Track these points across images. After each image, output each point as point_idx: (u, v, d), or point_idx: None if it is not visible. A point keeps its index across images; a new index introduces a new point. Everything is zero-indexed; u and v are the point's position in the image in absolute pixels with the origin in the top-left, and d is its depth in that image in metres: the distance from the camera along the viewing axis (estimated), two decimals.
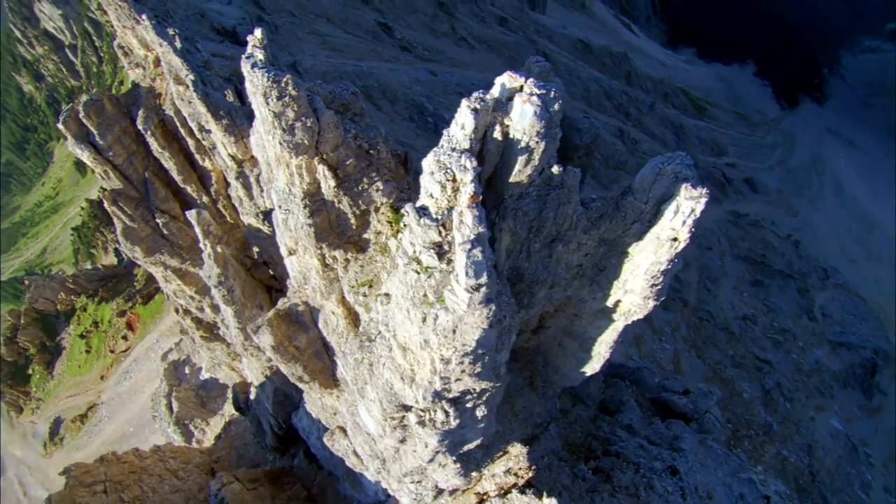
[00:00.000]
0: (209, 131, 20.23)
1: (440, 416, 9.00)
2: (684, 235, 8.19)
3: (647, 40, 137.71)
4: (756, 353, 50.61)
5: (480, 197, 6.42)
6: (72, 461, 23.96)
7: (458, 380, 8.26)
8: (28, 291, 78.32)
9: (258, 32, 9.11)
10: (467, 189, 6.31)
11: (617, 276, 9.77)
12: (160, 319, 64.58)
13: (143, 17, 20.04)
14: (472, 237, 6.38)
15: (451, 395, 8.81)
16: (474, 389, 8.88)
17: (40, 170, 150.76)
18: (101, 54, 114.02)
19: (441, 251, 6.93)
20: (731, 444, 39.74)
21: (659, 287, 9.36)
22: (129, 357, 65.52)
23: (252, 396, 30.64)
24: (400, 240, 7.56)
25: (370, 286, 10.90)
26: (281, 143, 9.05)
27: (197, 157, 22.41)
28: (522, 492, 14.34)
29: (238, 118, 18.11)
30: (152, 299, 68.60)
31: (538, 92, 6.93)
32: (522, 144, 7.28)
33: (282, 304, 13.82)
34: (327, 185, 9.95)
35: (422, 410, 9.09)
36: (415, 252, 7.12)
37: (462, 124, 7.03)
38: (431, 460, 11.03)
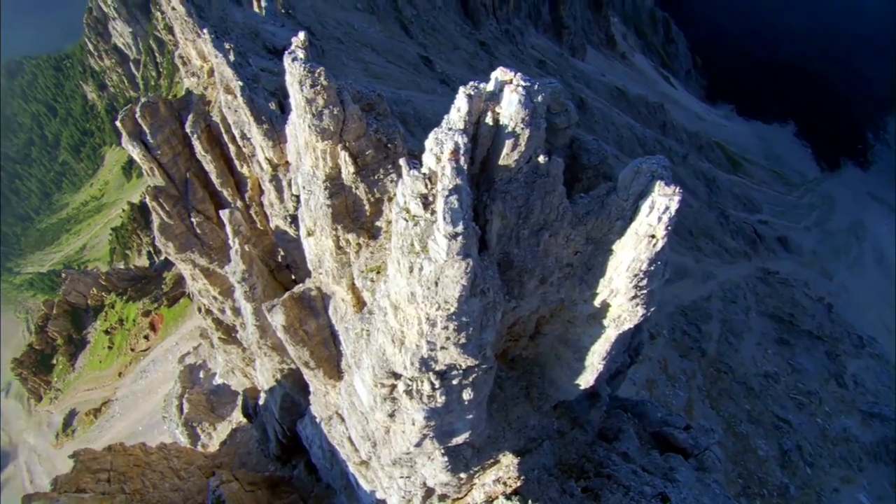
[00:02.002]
0: (250, 139, 21.79)
1: (426, 387, 9.64)
2: (661, 233, 8.85)
3: (685, 93, 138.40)
4: (775, 412, 48.75)
5: (461, 154, 7.39)
6: None
7: (443, 348, 8.94)
8: (63, 284, 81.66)
9: (301, 35, 10.43)
10: (448, 146, 7.25)
11: (603, 273, 10.46)
12: (182, 323, 66.00)
13: (204, 30, 22.03)
14: (451, 186, 7.27)
15: (437, 367, 9.49)
16: (460, 365, 9.53)
17: (91, 171, 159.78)
18: (161, 69, 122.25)
19: (426, 202, 7.86)
20: (740, 500, 38.10)
21: (644, 290, 9.94)
22: (148, 357, 66.84)
23: (261, 402, 31.30)
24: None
25: (378, 272, 11.81)
26: (310, 127, 10.33)
27: (236, 162, 23.93)
28: (508, 498, 14.53)
29: (278, 124, 19.55)
30: (177, 303, 70.33)
31: (524, 84, 8.03)
32: (509, 129, 8.29)
33: (297, 288, 14.85)
34: (347, 170, 11.12)
35: (409, 380, 9.78)
36: (405, 202, 8.09)
37: (458, 107, 8.11)
38: (419, 444, 11.54)
